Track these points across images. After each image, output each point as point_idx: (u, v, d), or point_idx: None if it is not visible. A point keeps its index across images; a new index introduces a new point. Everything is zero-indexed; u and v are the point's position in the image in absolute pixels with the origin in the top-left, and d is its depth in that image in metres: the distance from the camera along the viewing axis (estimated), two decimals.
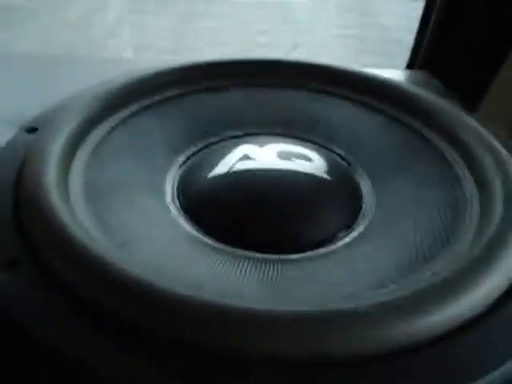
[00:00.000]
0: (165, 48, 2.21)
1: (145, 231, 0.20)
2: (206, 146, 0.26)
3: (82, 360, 0.13)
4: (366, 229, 0.21)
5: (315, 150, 0.25)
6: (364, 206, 0.23)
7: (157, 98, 0.26)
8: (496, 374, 0.13)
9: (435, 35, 0.41)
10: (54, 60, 0.37)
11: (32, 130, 0.22)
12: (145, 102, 0.26)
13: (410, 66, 0.43)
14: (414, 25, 0.44)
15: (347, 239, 0.21)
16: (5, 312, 0.15)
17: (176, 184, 0.23)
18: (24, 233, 0.17)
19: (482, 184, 0.20)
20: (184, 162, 0.25)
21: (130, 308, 0.14)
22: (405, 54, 0.46)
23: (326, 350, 0.14)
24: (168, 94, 0.27)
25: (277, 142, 0.25)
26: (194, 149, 0.25)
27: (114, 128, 0.24)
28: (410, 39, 0.45)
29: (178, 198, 0.22)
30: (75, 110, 0.23)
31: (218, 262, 0.19)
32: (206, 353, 0.14)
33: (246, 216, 0.21)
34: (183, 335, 0.14)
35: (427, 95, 0.27)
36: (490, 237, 0.17)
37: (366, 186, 0.24)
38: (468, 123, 0.24)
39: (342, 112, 0.28)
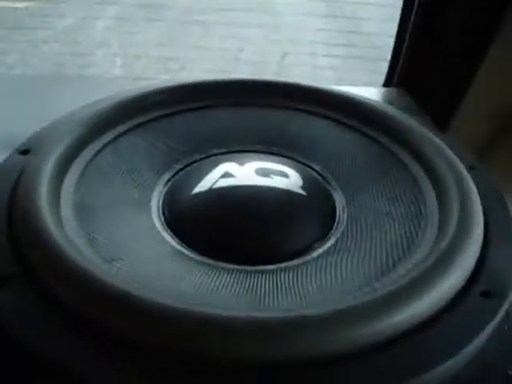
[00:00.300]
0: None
1: (132, 247, 0.21)
2: (189, 164, 0.27)
3: (71, 369, 0.15)
4: (338, 240, 0.23)
5: (293, 166, 0.27)
6: (337, 219, 0.24)
7: (143, 118, 0.28)
8: (448, 363, 0.15)
9: (409, 55, 0.43)
10: (45, 80, 0.38)
11: (24, 151, 0.24)
12: (132, 123, 0.27)
13: (386, 83, 0.46)
14: None
15: (321, 250, 0.22)
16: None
17: (161, 201, 0.25)
18: (17, 249, 0.18)
19: (442, 199, 0.22)
20: (169, 180, 0.26)
21: (117, 320, 0.16)
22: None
23: (300, 351, 0.15)
24: (154, 114, 0.28)
25: (257, 160, 0.26)
26: (178, 167, 0.27)
27: (102, 148, 0.25)
28: None
29: (164, 214, 0.24)
30: (65, 131, 0.24)
31: (201, 274, 0.20)
32: (191, 359, 0.15)
33: (226, 230, 0.23)
34: (170, 344, 0.15)
35: (399, 114, 0.29)
36: (445, 247, 0.18)
37: (339, 200, 0.26)
38: (434, 142, 0.26)
39: (319, 130, 0.30)
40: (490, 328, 0.16)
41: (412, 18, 0.42)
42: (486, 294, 0.17)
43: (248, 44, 2.46)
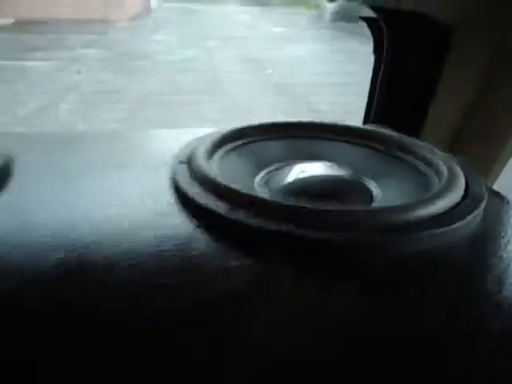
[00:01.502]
0: None
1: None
2: (273, 170, 0.40)
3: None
4: (383, 198, 0.37)
5: (340, 168, 0.41)
6: (374, 195, 0.38)
7: (239, 143, 0.41)
8: (464, 221, 0.30)
9: (379, 102, 0.61)
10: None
11: (181, 162, 0.36)
12: (234, 145, 0.41)
13: (364, 122, 0.63)
14: None
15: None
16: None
17: (262, 187, 0.37)
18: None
19: (438, 174, 0.37)
20: (262, 178, 0.39)
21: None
22: None
23: (390, 224, 0.29)
24: (242, 141, 0.42)
25: (318, 164, 0.40)
26: (265, 172, 0.40)
27: (222, 156, 0.38)
28: None
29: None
30: (202, 147, 0.37)
31: None
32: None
33: (314, 198, 0.35)
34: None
35: (394, 133, 0.45)
36: (442, 190, 0.33)
37: (372, 186, 0.40)
38: (423, 145, 0.41)
39: (347, 149, 0.44)
40: (480, 210, 0.31)
41: (379, 76, 0.61)
42: (473, 201, 0.32)
43: (207, 122, 2.69)
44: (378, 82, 0.61)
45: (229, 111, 2.83)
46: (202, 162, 0.34)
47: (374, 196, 0.38)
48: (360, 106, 0.65)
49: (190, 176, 0.34)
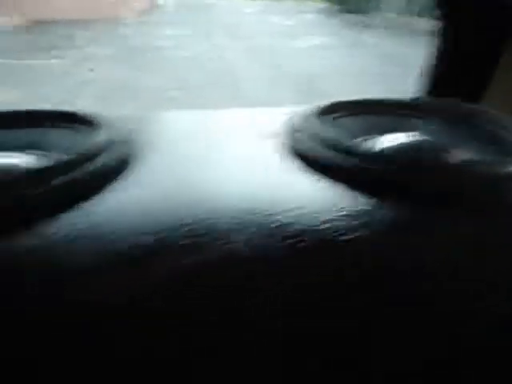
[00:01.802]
0: None
1: None
2: (362, 140, 0.42)
3: None
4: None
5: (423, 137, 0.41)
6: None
7: (331, 116, 0.43)
8: None
9: (436, 80, 0.61)
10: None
11: (296, 131, 0.39)
12: (326, 118, 0.43)
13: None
14: None
15: None
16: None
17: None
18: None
19: (506, 138, 0.37)
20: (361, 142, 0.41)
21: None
22: None
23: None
24: (339, 114, 0.44)
25: (404, 133, 0.41)
26: (361, 139, 0.42)
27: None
28: None
29: None
30: (309, 118, 0.40)
31: None
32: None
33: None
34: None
35: (471, 104, 0.45)
36: None
37: (458, 151, 0.40)
38: (495, 114, 0.42)
39: (420, 122, 0.45)
40: None
41: (438, 57, 0.61)
42: None
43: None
44: (437, 61, 0.61)
45: (241, 103, 2.84)
46: (319, 128, 0.38)
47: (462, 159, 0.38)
48: None
49: (310, 141, 0.37)
